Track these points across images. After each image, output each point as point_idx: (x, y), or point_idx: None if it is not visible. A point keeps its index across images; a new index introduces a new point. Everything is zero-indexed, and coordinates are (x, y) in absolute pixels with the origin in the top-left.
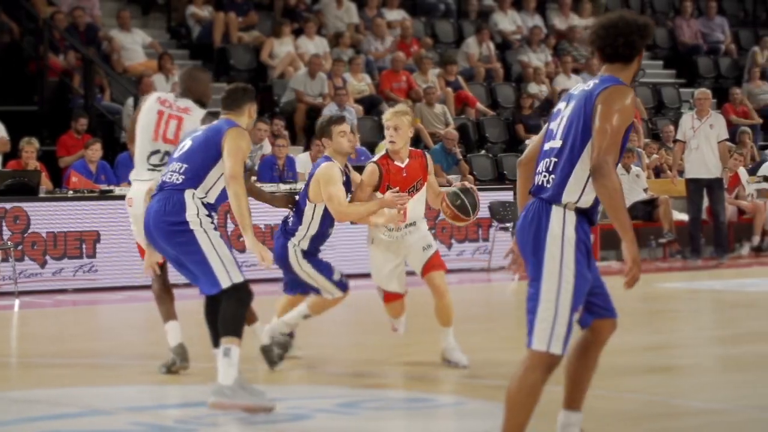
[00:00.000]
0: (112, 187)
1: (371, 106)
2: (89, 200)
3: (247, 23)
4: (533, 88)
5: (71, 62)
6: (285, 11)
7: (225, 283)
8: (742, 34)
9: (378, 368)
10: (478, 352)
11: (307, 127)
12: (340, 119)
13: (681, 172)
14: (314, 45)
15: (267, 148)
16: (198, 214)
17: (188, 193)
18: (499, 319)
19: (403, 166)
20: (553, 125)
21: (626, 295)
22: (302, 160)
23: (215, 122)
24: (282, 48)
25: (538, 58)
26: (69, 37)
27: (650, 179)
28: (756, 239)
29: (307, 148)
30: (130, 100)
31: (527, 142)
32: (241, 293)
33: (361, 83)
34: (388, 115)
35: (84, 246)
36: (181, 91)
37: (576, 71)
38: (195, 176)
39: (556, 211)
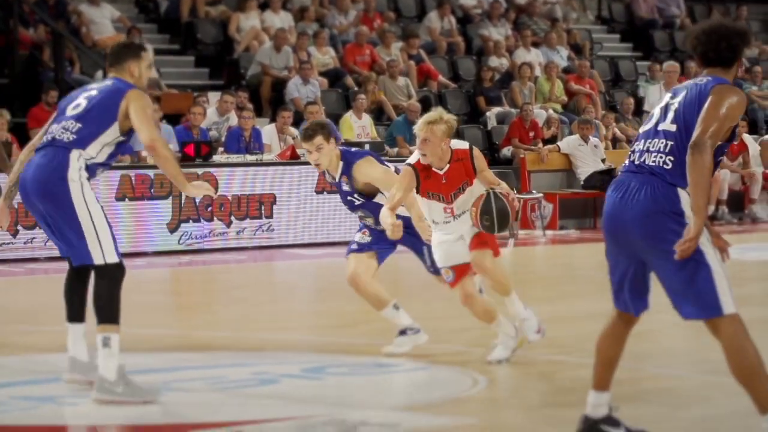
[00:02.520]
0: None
1: (335, 78)
2: None
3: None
4: (494, 61)
5: (41, 36)
6: None
7: (97, 260)
8: (696, 8)
9: (343, 334)
10: (444, 319)
11: (272, 100)
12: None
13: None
14: (279, 19)
15: (233, 120)
16: (80, 177)
17: (75, 153)
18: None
19: (442, 173)
20: (656, 111)
21: (585, 262)
22: (268, 131)
23: (108, 82)
24: (248, 22)
25: (498, 32)
26: (39, 11)
27: (608, 150)
28: (711, 208)
29: (272, 120)
30: (99, 73)
31: (488, 114)
32: (113, 273)
33: (325, 56)
34: (419, 125)
35: None
36: None
37: (535, 44)
38: (88, 135)
39: (683, 194)
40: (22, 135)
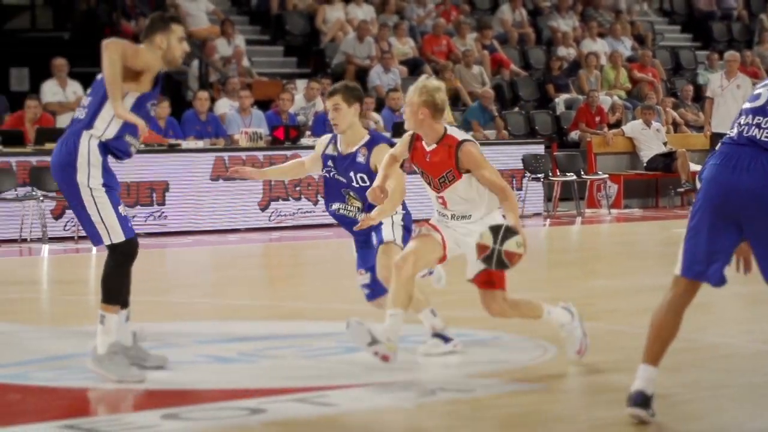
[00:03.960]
0: (179, 141)
1: (414, 67)
2: (159, 153)
3: None
4: (562, 51)
5: (142, 27)
6: None
7: (105, 240)
8: (752, 0)
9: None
10: (515, 292)
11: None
12: None
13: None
14: (362, 12)
15: (319, 105)
16: (89, 162)
17: (85, 135)
18: (531, 262)
19: (428, 149)
20: (764, 91)
21: (648, 239)
22: None
23: None
24: (333, 14)
25: (566, 24)
26: (140, 5)
27: (669, 134)
28: None
29: None
30: (195, 62)
31: (557, 100)
32: (118, 256)
33: (405, 47)
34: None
35: (154, 194)
36: None
37: (601, 35)
38: (96, 109)
39: None
40: None
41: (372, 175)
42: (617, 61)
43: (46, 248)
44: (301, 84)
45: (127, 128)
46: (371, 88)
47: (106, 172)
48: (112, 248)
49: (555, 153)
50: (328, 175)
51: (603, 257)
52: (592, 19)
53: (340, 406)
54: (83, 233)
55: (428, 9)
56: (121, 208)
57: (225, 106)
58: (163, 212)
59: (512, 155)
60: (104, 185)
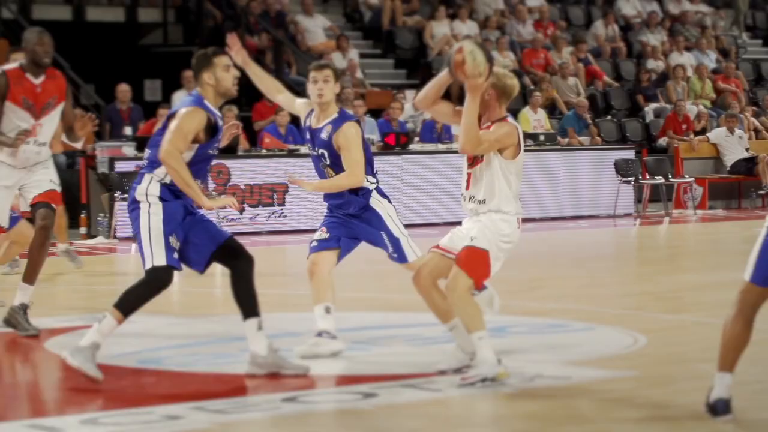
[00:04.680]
0: (298, 147)
1: None
2: (279, 157)
3: (411, 9)
4: (651, 63)
5: (264, 43)
6: None
7: (147, 264)
8: None
9: (522, 298)
10: (608, 286)
11: (460, 96)
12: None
13: None
14: (467, 27)
15: (427, 113)
16: (147, 197)
17: (147, 177)
18: (622, 259)
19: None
20: None
21: (730, 238)
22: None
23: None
24: (440, 30)
25: (655, 38)
26: (262, 22)
27: (751, 140)
28: None
29: None
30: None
31: (646, 109)
32: (151, 278)
33: (506, 59)
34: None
35: (275, 196)
36: None
37: (687, 49)
38: (155, 159)
39: None
40: (248, 126)
41: (332, 152)
42: (703, 72)
43: None
44: (410, 94)
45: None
46: None
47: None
48: (150, 270)
49: (645, 158)
50: (311, 152)
51: (689, 254)
52: (680, 34)
53: (445, 392)
54: None
55: (527, 25)
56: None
57: None
58: (282, 212)
59: (605, 160)
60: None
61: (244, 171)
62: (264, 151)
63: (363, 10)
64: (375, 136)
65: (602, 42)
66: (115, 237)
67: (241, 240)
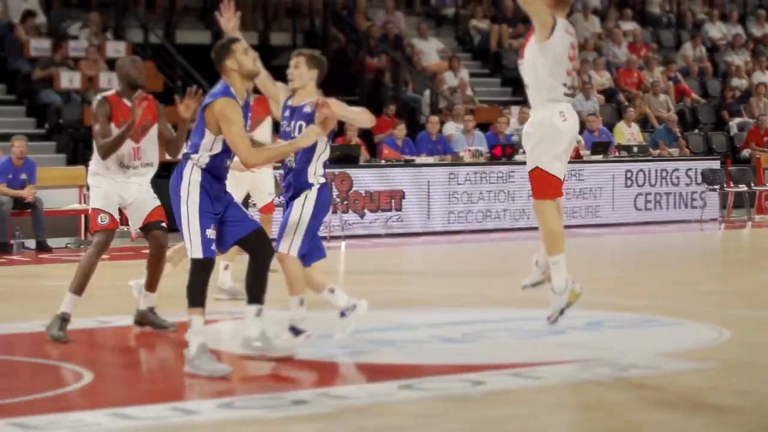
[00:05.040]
0: (413, 157)
1: (610, 95)
2: (397, 167)
3: (516, 33)
4: (735, 81)
5: (383, 63)
6: None
7: (190, 254)
8: None
9: (616, 295)
10: (694, 284)
11: None
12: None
13: None
14: None
15: None
16: (189, 185)
17: (189, 163)
18: (708, 259)
19: None
20: None
21: None
22: None
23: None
24: None
25: (739, 59)
26: (382, 44)
27: None
28: None
29: None
30: (427, 92)
31: (730, 123)
32: (196, 268)
33: (602, 78)
34: None
35: (393, 201)
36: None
37: None
38: (194, 147)
39: None
40: (368, 139)
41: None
42: None
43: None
44: (515, 110)
45: (223, 154)
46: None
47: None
48: (193, 261)
49: (729, 168)
50: (286, 129)
51: None
52: (762, 55)
53: (548, 380)
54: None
55: (622, 47)
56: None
57: (452, 128)
58: (400, 216)
59: (693, 170)
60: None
61: (365, 179)
62: (383, 162)
63: (473, 33)
64: (483, 148)
65: (690, 62)
66: None
67: (362, 242)
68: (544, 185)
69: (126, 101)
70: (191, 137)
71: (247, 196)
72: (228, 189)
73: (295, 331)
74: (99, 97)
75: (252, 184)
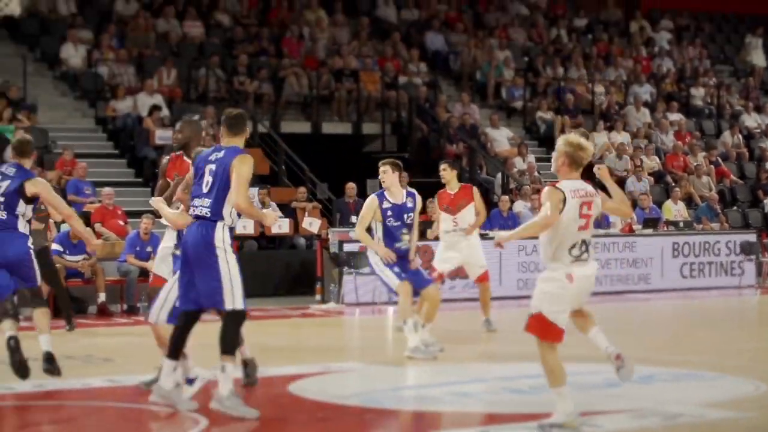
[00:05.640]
0: (486, 232)
1: (659, 177)
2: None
3: (576, 123)
4: None
5: (460, 149)
6: (601, 114)
7: (229, 306)
8: None
9: (665, 352)
10: (734, 343)
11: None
12: None
13: None
14: (621, 137)
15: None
16: (224, 243)
17: (219, 224)
18: (745, 321)
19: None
20: None
21: None
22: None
23: (225, 150)
24: (600, 139)
25: None
26: (459, 133)
27: None
28: None
29: None
30: (499, 174)
31: (765, 201)
32: (237, 319)
33: (652, 162)
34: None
35: None
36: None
37: None
38: (220, 208)
39: None
40: None
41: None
42: None
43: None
44: None
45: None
46: (627, 193)
47: None
48: (233, 312)
49: (764, 240)
50: (393, 225)
51: None
52: None
53: (605, 427)
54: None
55: (669, 135)
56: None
57: (520, 206)
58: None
59: (732, 242)
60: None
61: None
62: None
63: (539, 123)
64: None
65: (729, 148)
66: (343, 302)
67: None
68: (546, 330)
69: (186, 159)
70: (214, 202)
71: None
72: (438, 259)
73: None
74: None
75: (465, 259)
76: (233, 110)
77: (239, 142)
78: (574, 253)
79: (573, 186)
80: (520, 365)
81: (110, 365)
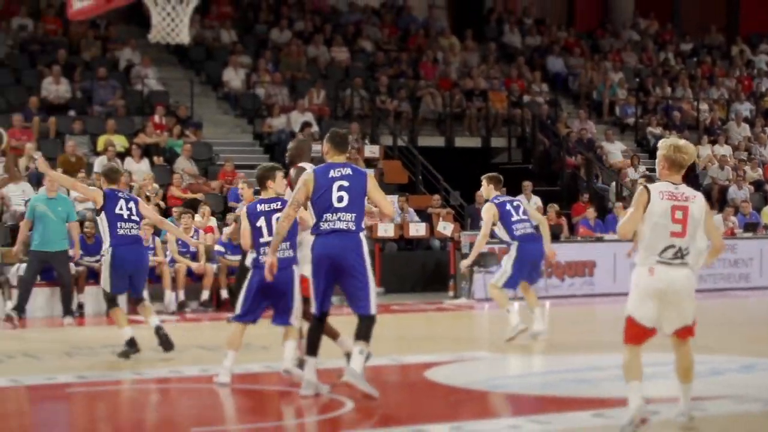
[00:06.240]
0: (602, 235)
1: (758, 186)
2: (589, 243)
3: (684, 137)
4: None
5: (578, 161)
6: (705, 129)
7: (372, 311)
8: None
9: (760, 345)
10: None
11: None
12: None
13: None
14: (723, 149)
15: None
16: (366, 252)
17: (362, 236)
18: None
19: None
20: None
21: None
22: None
23: (349, 167)
24: (704, 152)
25: None
26: (577, 146)
27: None
28: None
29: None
30: (613, 183)
31: None
32: (374, 319)
33: (755, 173)
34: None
35: (587, 270)
36: None
37: None
38: (361, 221)
39: None
40: (568, 220)
41: None
42: None
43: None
44: None
45: None
46: (729, 200)
47: None
48: (373, 315)
49: None
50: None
51: None
52: None
53: (711, 411)
54: (541, 295)
55: (767, 147)
56: None
57: None
58: (592, 281)
59: None
60: None
61: (565, 252)
62: (579, 238)
63: (649, 137)
64: None
65: None
66: (473, 298)
67: (562, 301)
68: (629, 331)
69: None
70: (358, 215)
71: None
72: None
73: None
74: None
75: None
76: (340, 130)
77: (344, 158)
78: (665, 256)
79: (665, 188)
80: None
81: (265, 353)
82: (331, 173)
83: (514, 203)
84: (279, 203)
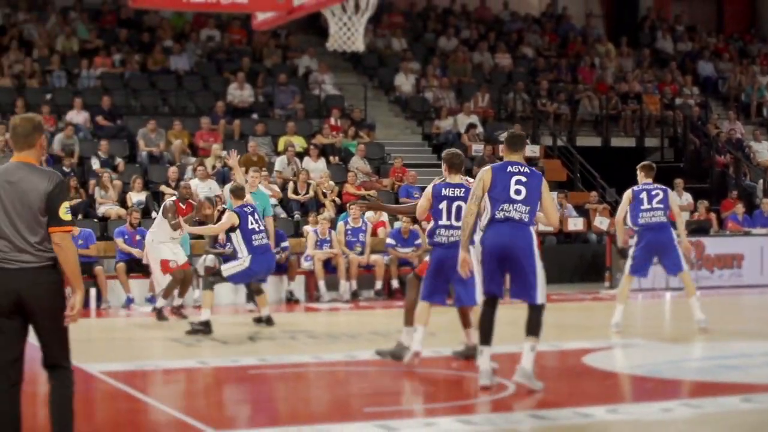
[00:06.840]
0: (751, 229)
1: None
2: (738, 236)
3: None
4: None
5: (727, 160)
6: None
7: (540, 300)
8: None
9: None
10: None
11: None
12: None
13: None
14: None
15: None
16: (535, 244)
17: (533, 229)
18: None
19: None
20: None
21: None
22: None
23: (526, 166)
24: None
25: None
26: (726, 146)
27: None
28: None
29: None
30: (761, 181)
31: None
32: (543, 308)
33: None
34: None
35: (735, 261)
36: None
37: None
38: (533, 215)
39: None
40: (717, 215)
41: None
42: None
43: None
44: None
45: None
46: None
47: None
48: (542, 304)
49: None
50: None
51: None
52: None
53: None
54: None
55: None
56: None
57: None
58: (741, 273)
59: None
60: None
61: (714, 245)
62: (728, 232)
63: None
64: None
65: None
66: None
67: (711, 292)
68: None
69: None
70: (531, 209)
71: None
72: None
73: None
74: None
75: None
76: (516, 131)
77: (520, 157)
78: None
79: None
80: None
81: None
82: (509, 169)
83: (653, 192)
84: (463, 189)
